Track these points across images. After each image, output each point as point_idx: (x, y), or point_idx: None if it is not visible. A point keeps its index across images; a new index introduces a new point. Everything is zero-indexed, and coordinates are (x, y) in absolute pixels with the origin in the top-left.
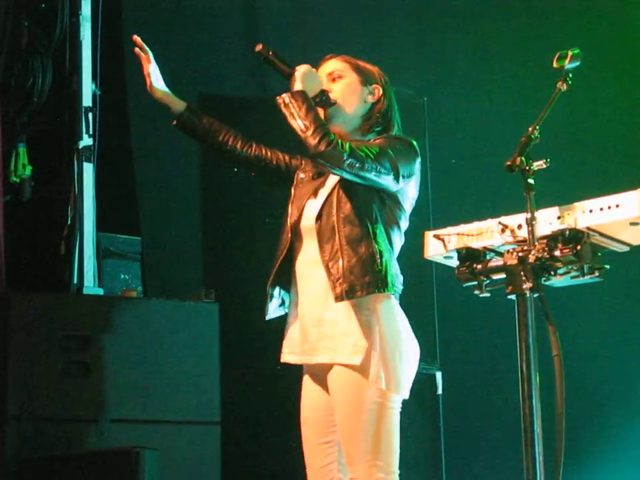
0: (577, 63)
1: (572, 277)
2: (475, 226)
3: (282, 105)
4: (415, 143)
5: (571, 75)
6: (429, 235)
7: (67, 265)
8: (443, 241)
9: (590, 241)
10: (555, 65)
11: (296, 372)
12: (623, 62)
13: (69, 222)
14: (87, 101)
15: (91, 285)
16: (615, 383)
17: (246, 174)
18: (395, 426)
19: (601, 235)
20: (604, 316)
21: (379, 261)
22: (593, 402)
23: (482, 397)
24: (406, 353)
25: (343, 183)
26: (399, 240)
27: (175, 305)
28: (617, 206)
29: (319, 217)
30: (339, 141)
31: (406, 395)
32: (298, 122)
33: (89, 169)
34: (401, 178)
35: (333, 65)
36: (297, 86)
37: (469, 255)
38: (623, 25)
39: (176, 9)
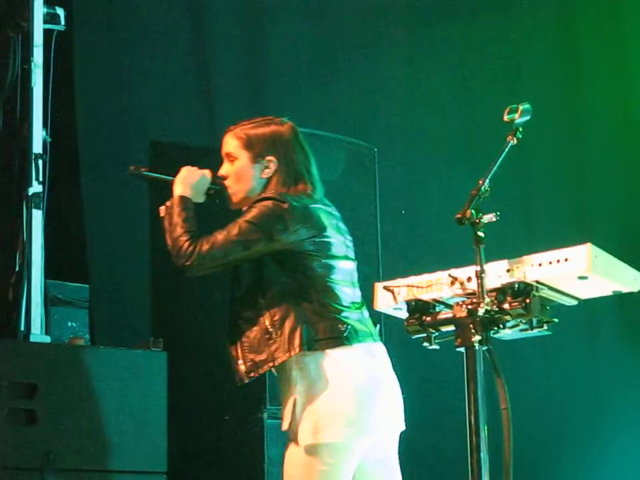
0: (527, 118)
1: (521, 330)
2: (425, 278)
3: (163, 215)
4: (287, 202)
5: (520, 129)
6: (378, 287)
7: (14, 312)
8: (392, 292)
9: (539, 294)
10: (505, 118)
11: (244, 423)
12: (573, 116)
13: (17, 269)
14: (37, 147)
15: (38, 333)
16: (557, 439)
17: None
18: None
19: (550, 288)
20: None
21: (272, 331)
22: (533, 458)
23: (429, 449)
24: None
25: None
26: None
27: (123, 353)
28: (566, 260)
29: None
30: (191, 252)
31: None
32: (167, 237)
33: (38, 216)
34: (275, 236)
35: (227, 144)
36: (176, 191)
37: (418, 307)
38: (576, 82)
39: (128, 57)
